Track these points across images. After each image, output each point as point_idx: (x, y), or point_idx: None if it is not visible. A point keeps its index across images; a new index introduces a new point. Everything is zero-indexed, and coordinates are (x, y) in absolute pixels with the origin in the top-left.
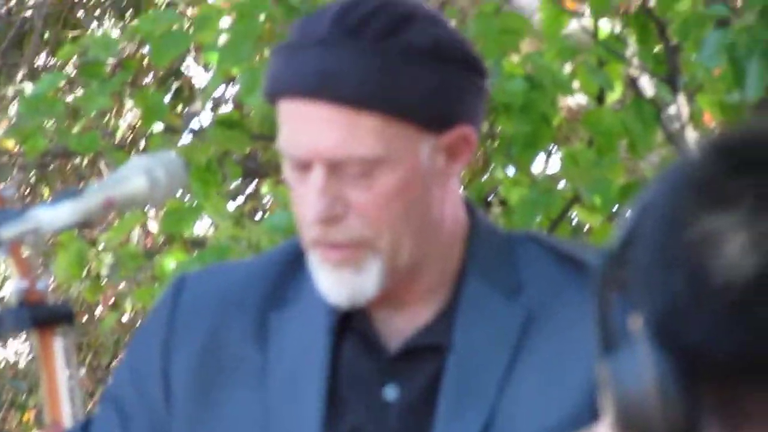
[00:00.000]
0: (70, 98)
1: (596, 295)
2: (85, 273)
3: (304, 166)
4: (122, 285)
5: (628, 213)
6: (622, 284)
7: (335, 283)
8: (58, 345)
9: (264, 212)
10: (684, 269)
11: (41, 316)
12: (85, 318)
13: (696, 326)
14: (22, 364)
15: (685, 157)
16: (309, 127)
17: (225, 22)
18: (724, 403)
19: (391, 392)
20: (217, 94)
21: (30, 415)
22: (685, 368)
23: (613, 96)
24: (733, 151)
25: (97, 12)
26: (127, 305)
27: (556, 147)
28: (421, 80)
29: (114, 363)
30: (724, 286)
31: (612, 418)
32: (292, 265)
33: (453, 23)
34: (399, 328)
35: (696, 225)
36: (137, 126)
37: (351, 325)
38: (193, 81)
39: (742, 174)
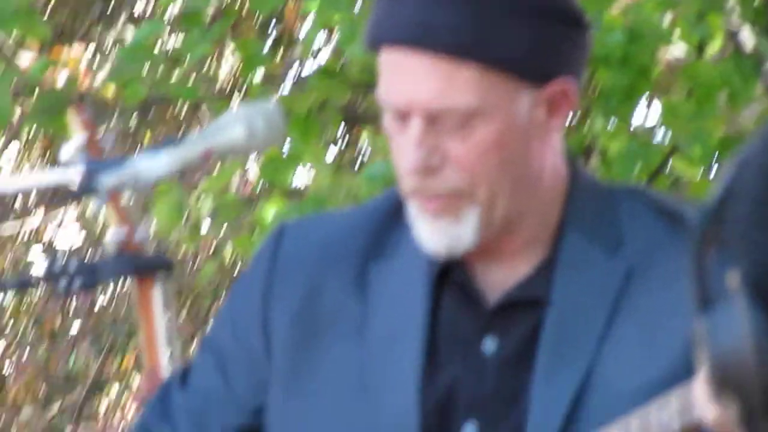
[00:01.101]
0: (169, 45)
1: (693, 252)
2: (184, 220)
3: (403, 116)
4: (222, 232)
5: (726, 168)
6: (720, 240)
7: (433, 233)
8: (157, 292)
9: (363, 161)
10: None
11: (140, 265)
12: (184, 264)
13: None
14: (122, 309)
15: None
16: (408, 77)
17: None
18: None
19: (489, 345)
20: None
21: (129, 360)
22: None
23: (713, 48)
24: None
25: None
26: (227, 252)
27: (655, 99)
28: (521, 33)
29: (213, 308)
30: None
31: (707, 374)
32: (393, 216)
33: None
34: (498, 281)
35: None
36: (237, 74)
37: (450, 277)
38: (293, 29)
39: None
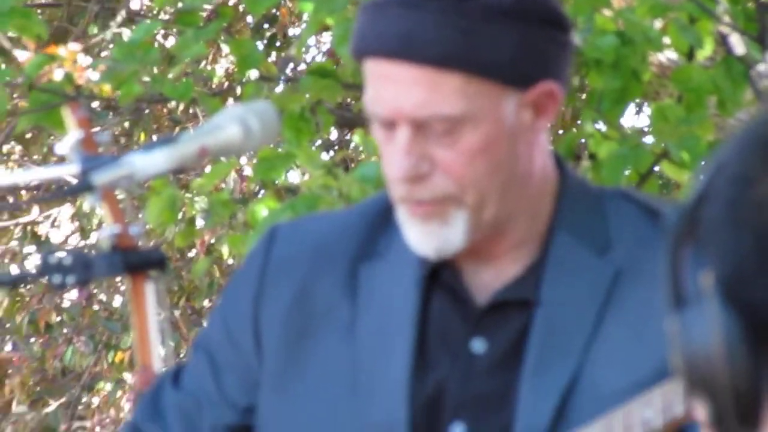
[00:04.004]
0: (165, 43)
1: (668, 251)
2: (179, 217)
3: (390, 125)
4: (216, 230)
5: (703, 170)
6: (695, 241)
7: (422, 236)
8: (150, 289)
9: (355, 162)
10: (751, 229)
11: (133, 262)
12: (179, 262)
13: (761, 286)
14: (116, 305)
15: (757, 116)
16: (393, 87)
17: None
18: None
19: (478, 345)
20: (311, 42)
21: (124, 357)
22: (751, 326)
23: (703, 53)
24: None
25: None
26: (223, 250)
27: (645, 103)
28: (503, 38)
29: (208, 305)
30: None
31: (679, 373)
32: (383, 218)
33: None
34: (487, 282)
35: (764, 184)
36: (232, 72)
37: (440, 278)
38: (288, 29)
39: None
